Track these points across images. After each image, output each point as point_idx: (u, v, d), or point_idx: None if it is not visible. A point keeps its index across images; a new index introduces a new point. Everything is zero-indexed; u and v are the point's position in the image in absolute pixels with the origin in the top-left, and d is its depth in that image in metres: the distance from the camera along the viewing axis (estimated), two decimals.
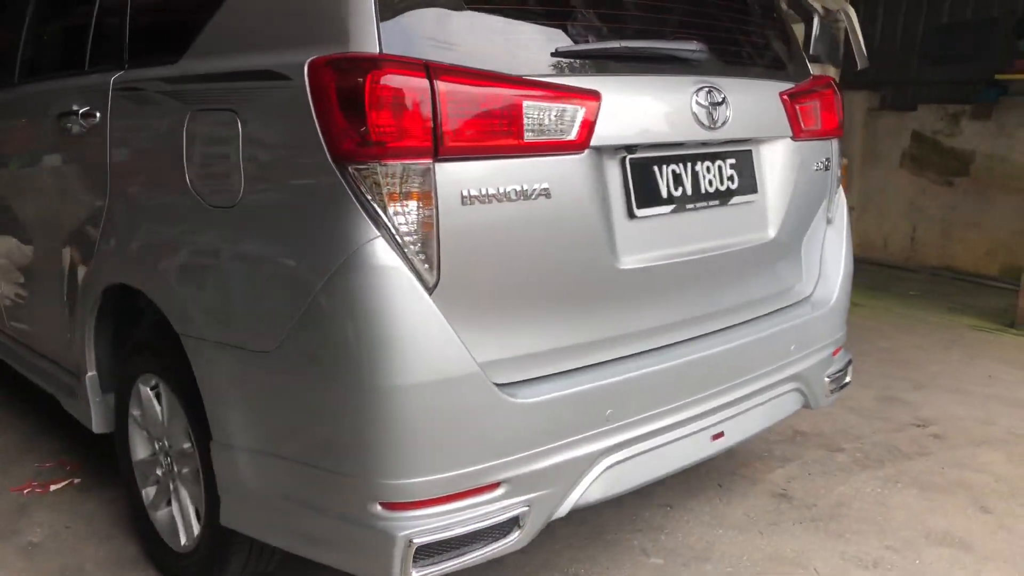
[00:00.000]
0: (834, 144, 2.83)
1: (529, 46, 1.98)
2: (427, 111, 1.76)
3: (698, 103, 2.22)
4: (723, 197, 2.38)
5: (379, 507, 1.83)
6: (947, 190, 7.44)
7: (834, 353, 2.84)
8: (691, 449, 2.29)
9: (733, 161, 2.40)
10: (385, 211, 1.76)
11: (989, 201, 7.16)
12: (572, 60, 2.02)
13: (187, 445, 2.43)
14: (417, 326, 1.78)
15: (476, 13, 1.95)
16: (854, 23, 5.89)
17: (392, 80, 1.74)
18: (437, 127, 1.77)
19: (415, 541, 1.81)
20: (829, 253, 2.86)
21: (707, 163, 2.33)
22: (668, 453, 2.22)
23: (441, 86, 1.77)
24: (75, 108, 2.63)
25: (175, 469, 2.51)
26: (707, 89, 2.25)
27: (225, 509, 2.17)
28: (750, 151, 2.47)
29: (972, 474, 3.35)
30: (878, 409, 4.00)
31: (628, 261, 2.13)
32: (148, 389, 2.56)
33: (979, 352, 5.03)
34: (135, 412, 2.65)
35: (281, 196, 1.92)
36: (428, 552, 1.83)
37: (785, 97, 2.54)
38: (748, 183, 2.46)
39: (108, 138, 2.49)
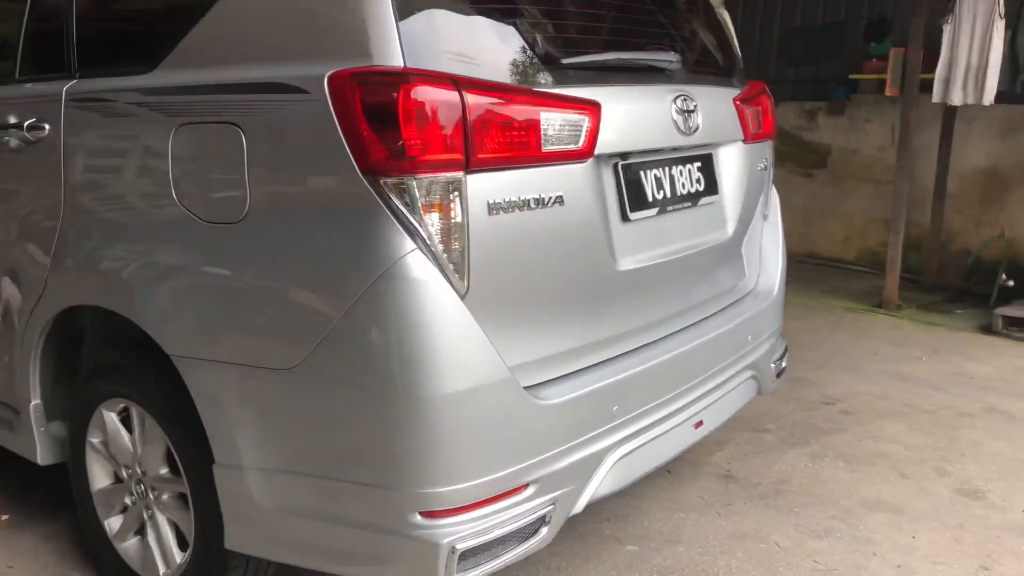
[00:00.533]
0: (769, 145, 3.02)
1: (531, 58, 2.03)
2: (458, 124, 1.79)
3: (676, 110, 2.34)
4: (693, 199, 2.51)
5: (419, 516, 1.84)
6: (807, 181, 7.97)
7: (775, 341, 3.04)
8: (679, 439, 2.41)
9: (699, 164, 2.54)
10: (421, 223, 1.77)
11: (844, 191, 7.73)
12: (570, 72, 2.10)
13: (165, 470, 2.35)
14: (455, 335, 1.81)
15: (481, 25, 1.98)
16: (729, 26, 6.22)
17: (424, 93, 1.76)
18: (467, 139, 1.80)
19: (458, 547, 1.83)
20: (767, 247, 3.05)
21: (679, 167, 2.45)
22: (663, 444, 2.33)
23: (469, 99, 1.80)
24: (13, 120, 2.47)
25: (151, 496, 2.40)
26: (682, 97, 2.37)
27: (231, 532, 2.10)
28: (711, 154, 2.62)
29: (885, 444, 3.66)
30: (790, 390, 4.28)
31: (625, 263, 2.22)
32: (113, 415, 2.44)
33: (861, 332, 5.45)
34: (94, 439, 2.52)
35: (298, 209, 1.88)
36: (468, 556, 1.86)
37: (737, 103, 2.70)
38: (711, 185, 2.61)
39: (62, 153, 2.35)
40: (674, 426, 2.37)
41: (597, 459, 2.12)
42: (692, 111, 2.40)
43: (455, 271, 1.82)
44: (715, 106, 2.58)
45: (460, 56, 1.90)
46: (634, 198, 2.25)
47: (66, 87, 2.35)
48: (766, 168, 2.98)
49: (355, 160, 1.77)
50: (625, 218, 2.23)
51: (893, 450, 3.60)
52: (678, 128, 2.35)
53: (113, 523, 2.55)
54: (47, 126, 2.38)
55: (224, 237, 1.99)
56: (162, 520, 2.40)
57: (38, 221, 2.45)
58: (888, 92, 6.49)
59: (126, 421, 2.45)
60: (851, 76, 7.35)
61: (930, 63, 5.94)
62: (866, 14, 7.51)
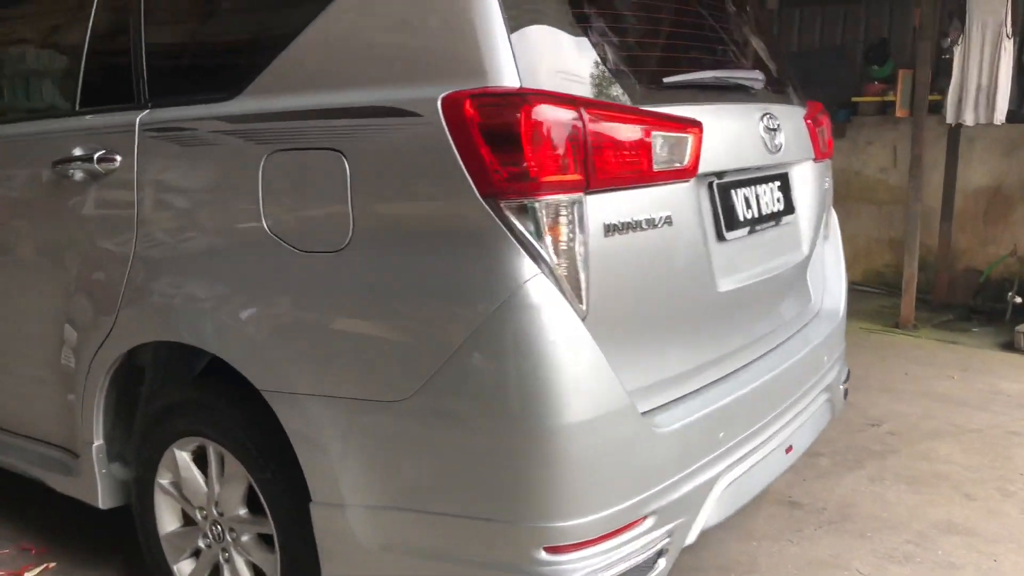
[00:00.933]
0: (829, 164, 3.01)
1: (632, 76, 2.00)
2: (580, 144, 1.74)
3: (764, 129, 2.32)
4: (776, 218, 2.48)
5: (544, 552, 1.76)
6: None
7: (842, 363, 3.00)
8: (775, 464, 2.36)
9: (779, 183, 2.52)
10: (544, 247, 1.72)
11: (848, 212, 7.73)
12: (669, 90, 2.07)
13: (244, 511, 2.26)
14: (581, 362, 1.75)
15: (582, 43, 1.93)
16: None
17: (546, 114, 1.71)
18: (587, 160, 1.75)
19: None
20: (829, 267, 3.02)
21: (763, 186, 2.42)
22: (760, 470, 2.27)
23: (588, 118, 1.76)
24: (79, 153, 2.39)
25: (229, 537, 2.31)
26: (768, 115, 2.35)
27: (329, 573, 2.02)
28: (786, 173, 2.59)
29: (941, 466, 3.62)
30: None
31: (723, 284, 2.18)
32: (186, 454, 2.35)
33: (885, 352, 5.43)
34: (163, 480, 2.43)
35: (407, 236, 1.82)
36: None
37: (808, 121, 2.69)
38: (788, 204, 2.57)
39: (136, 184, 2.28)
40: (770, 451, 2.31)
41: (707, 488, 2.06)
42: (777, 129, 2.38)
43: (576, 295, 1.77)
44: (792, 124, 2.55)
45: (566, 74, 1.86)
46: (728, 217, 2.22)
47: (139, 117, 2.28)
48: (827, 187, 2.96)
49: (474, 184, 1.72)
50: (721, 238, 2.19)
51: (951, 471, 3.56)
52: (766, 146, 2.33)
53: (184, 568, 2.45)
54: (119, 157, 2.31)
55: (324, 266, 1.92)
56: (240, 563, 2.31)
57: (106, 255, 2.37)
58: (898, 113, 6.54)
59: (199, 460, 2.36)
60: (854, 99, 7.41)
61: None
62: (863, 38, 7.60)
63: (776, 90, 2.58)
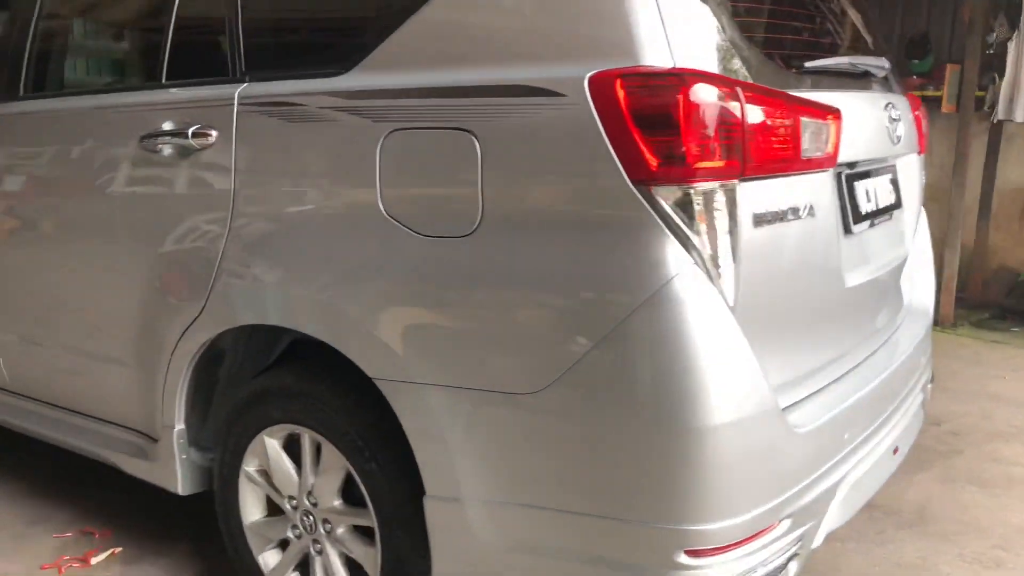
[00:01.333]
0: (924, 158, 2.92)
1: (773, 59, 1.92)
2: (736, 129, 1.66)
3: (888, 119, 2.24)
4: (889, 212, 2.40)
5: (684, 555, 1.69)
6: None
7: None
8: (886, 466, 2.29)
9: (890, 176, 2.43)
10: (698, 236, 1.63)
11: None
12: (805, 76, 1.98)
13: (339, 502, 2.18)
14: (732, 361, 1.67)
15: (725, 22, 1.83)
16: None
17: (705, 96, 1.62)
18: (744, 146, 1.67)
19: None
20: (918, 264, 2.94)
21: (880, 178, 2.34)
22: (875, 472, 2.20)
23: (745, 102, 1.67)
24: (168, 127, 2.29)
25: (322, 529, 2.23)
26: (891, 104, 2.27)
27: (442, 570, 1.95)
28: (895, 165, 2.51)
29: (1012, 468, 3.56)
30: None
31: (849, 279, 2.10)
32: (276, 441, 2.27)
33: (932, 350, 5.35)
34: (250, 468, 2.35)
35: (545, 221, 1.73)
36: None
37: (916, 113, 2.60)
38: (897, 198, 2.49)
39: (234, 160, 2.18)
40: (881, 453, 2.24)
41: (833, 490, 1.98)
42: (899, 120, 2.30)
43: (727, 289, 1.68)
44: (904, 116, 2.47)
45: (712, 53, 1.76)
46: (854, 210, 2.14)
47: (238, 91, 2.19)
48: (922, 181, 2.88)
49: (623, 168, 1.63)
50: (848, 231, 2.11)
51: (1022, 474, 3.50)
52: (889, 137, 2.25)
53: (269, 558, 2.38)
54: (214, 132, 2.21)
55: (449, 251, 1.83)
56: (334, 555, 2.24)
57: (197, 234, 2.28)
58: (944, 109, 6.43)
59: (288, 448, 2.28)
60: None
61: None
62: (898, 31, 7.48)
63: (889, 79, 2.49)
